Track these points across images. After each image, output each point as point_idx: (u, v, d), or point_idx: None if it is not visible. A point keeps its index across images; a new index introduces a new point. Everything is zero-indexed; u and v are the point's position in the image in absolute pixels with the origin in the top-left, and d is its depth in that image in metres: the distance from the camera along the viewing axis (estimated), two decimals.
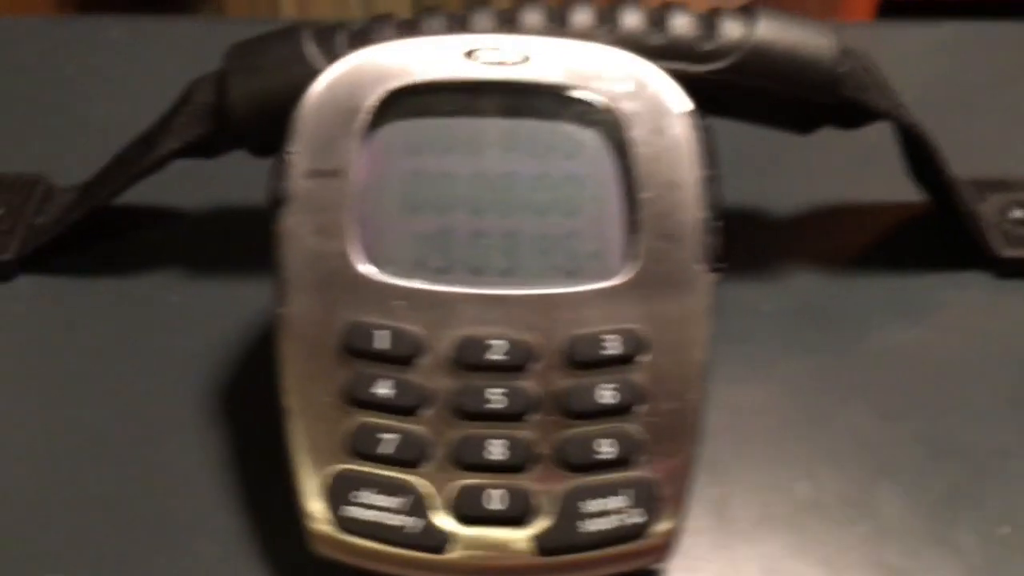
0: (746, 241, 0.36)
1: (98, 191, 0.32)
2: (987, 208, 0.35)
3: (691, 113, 0.27)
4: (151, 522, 0.27)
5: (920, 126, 0.33)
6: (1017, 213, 0.35)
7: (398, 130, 0.27)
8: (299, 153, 0.26)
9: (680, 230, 0.26)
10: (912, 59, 0.46)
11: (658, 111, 0.26)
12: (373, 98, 0.26)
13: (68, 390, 0.30)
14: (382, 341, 0.25)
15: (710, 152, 0.26)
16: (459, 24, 0.30)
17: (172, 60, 0.44)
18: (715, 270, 0.26)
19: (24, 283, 0.33)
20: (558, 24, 0.30)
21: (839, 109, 0.32)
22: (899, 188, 0.36)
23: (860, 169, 0.39)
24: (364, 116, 0.26)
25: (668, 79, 0.27)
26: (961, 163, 0.35)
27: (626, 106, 0.26)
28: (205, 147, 0.31)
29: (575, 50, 0.27)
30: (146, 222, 0.35)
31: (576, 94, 0.27)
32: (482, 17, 0.30)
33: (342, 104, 0.26)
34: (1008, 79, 0.45)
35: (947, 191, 0.34)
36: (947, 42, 0.48)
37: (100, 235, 0.34)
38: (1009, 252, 0.34)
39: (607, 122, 0.27)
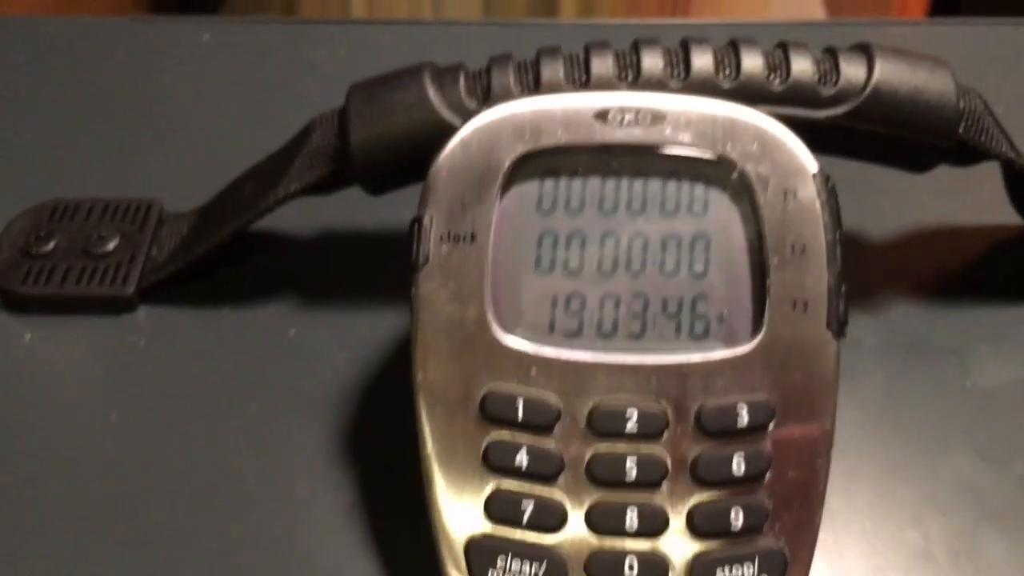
0: (848, 268, 0.36)
1: (216, 229, 0.33)
2: None
3: (819, 175, 0.27)
4: (284, 564, 0.28)
5: None
6: None
7: (529, 191, 0.27)
8: (434, 217, 0.27)
9: (808, 296, 0.26)
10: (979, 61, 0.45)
11: (787, 173, 0.27)
12: (506, 162, 0.27)
13: (188, 428, 0.31)
14: (519, 410, 0.25)
15: (836, 215, 0.27)
16: (579, 67, 0.30)
17: (261, 64, 0.44)
18: (841, 335, 0.26)
19: (143, 315, 0.34)
20: (678, 67, 0.30)
21: (956, 150, 0.32)
22: (1001, 206, 0.37)
23: (960, 188, 0.39)
24: (498, 180, 0.27)
25: (797, 139, 0.27)
26: None
27: (755, 168, 0.27)
28: (324, 186, 0.32)
29: (705, 109, 0.27)
30: (260, 248, 0.35)
31: (706, 156, 0.27)
32: (602, 60, 0.30)
33: (475, 166, 0.27)
34: None
35: None
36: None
37: (216, 262, 0.34)
38: None
39: (736, 184, 0.27)
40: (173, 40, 0.45)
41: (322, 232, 0.37)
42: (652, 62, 0.30)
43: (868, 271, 0.36)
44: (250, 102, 0.42)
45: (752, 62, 0.30)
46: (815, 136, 0.31)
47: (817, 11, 1.04)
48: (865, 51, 0.31)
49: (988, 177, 0.35)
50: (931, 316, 0.35)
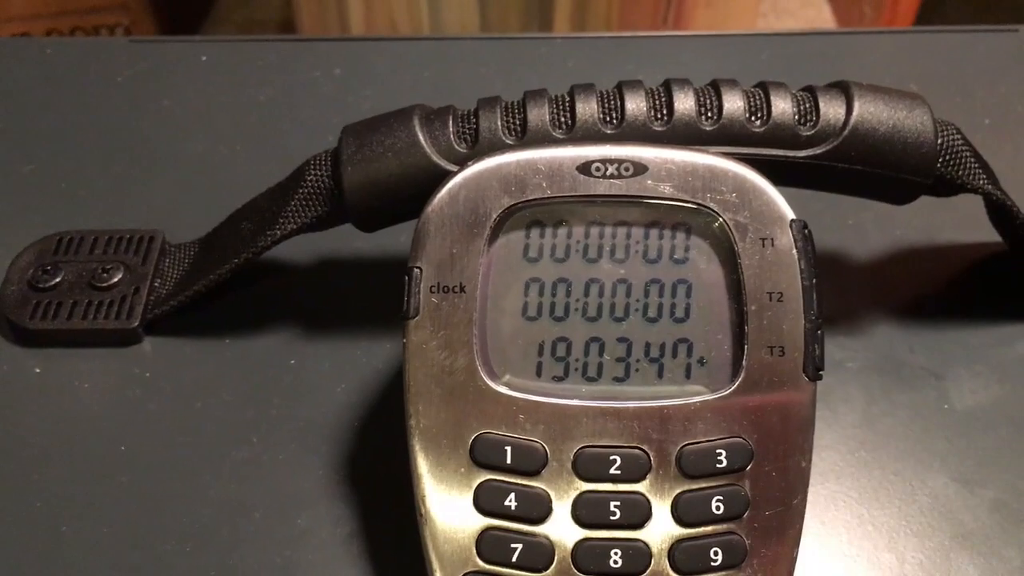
0: (831, 294, 0.37)
1: (217, 265, 0.34)
2: None
3: (796, 223, 0.28)
4: None
5: (1010, 202, 0.34)
6: None
7: (516, 241, 0.28)
8: (424, 268, 0.28)
9: (784, 341, 0.27)
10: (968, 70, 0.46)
11: (764, 222, 0.28)
12: (494, 214, 0.28)
13: (194, 458, 0.32)
14: (508, 455, 0.27)
15: (812, 261, 0.28)
16: (565, 111, 0.31)
17: (258, 85, 0.45)
18: (817, 379, 0.28)
19: (148, 347, 0.35)
20: (661, 110, 0.31)
21: (935, 184, 0.32)
22: (983, 223, 0.37)
23: (943, 205, 0.40)
24: (486, 231, 0.28)
25: (774, 189, 0.28)
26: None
27: (734, 217, 0.28)
28: (319, 224, 0.33)
29: (686, 159, 0.28)
30: (261, 277, 0.37)
31: (687, 205, 0.28)
32: (587, 104, 0.31)
33: (463, 218, 0.28)
34: None
35: None
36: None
37: (218, 293, 0.36)
38: None
39: (716, 232, 0.28)
40: (172, 61, 0.45)
41: (321, 261, 0.38)
42: (635, 105, 0.31)
43: (851, 293, 0.38)
44: (249, 125, 0.43)
45: (733, 104, 0.31)
46: (796, 174, 0.32)
47: (812, 12, 1.04)
48: (844, 90, 0.32)
49: (971, 196, 0.36)
50: (911, 338, 0.36)
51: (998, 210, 0.35)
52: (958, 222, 0.39)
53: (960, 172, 0.32)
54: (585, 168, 0.28)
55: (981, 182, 0.32)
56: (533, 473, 0.27)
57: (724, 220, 0.28)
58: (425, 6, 0.65)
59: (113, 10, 0.90)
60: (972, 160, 0.33)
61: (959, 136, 0.33)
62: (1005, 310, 0.36)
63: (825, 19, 1.07)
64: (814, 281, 0.28)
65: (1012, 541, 0.31)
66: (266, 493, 0.32)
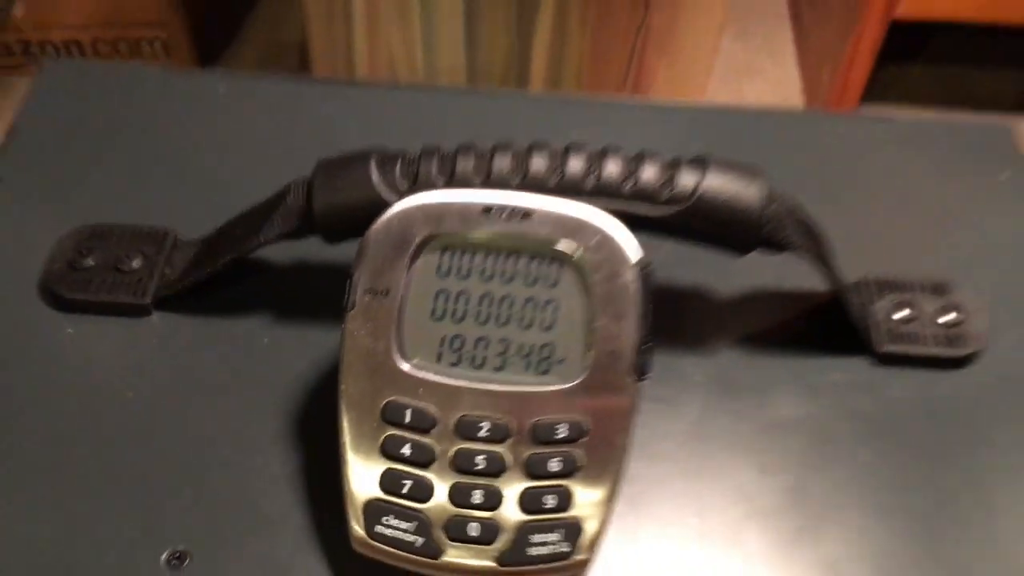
0: (691, 320, 0.46)
1: (214, 259, 0.43)
2: (880, 306, 0.46)
3: (638, 264, 0.37)
4: (242, 510, 0.39)
5: (824, 265, 0.43)
6: (901, 313, 0.45)
7: (431, 260, 0.37)
8: (362, 275, 0.37)
9: (620, 350, 0.36)
10: (845, 153, 0.55)
11: (614, 261, 0.37)
12: (416, 239, 0.37)
13: (185, 408, 0.42)
14: (408, 416, 0.36)
15: (647, 293, 0.37)
16: (485, 164, 0.41)
17: (266, 117, 0.54)
18: (642, 380, 0.37)
19: (156, 319, 0.44)
20: (557, 170, 0.40)
21: (762, 244, 0.42)
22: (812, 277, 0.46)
23: (780, 261, 0.49)
24: (409, 251, 0.37)
25: (628, 235, 0.37)
26: (868, 259, 0.46)
27: (592, 256, 0.37)
28: (293, 235, 0.42)
29: (562, 210, 0.37)
30: (249, 273, 0.46)
31: (559, 244, 0.37)
32: (502, 159, 0.40)
33: (395, 241, 0.37)
34: (936, 179, 0.54)
35: (843, 300, 0.44)
36: (879, 138, 0.56)
37: (214, 281, 0.45)
38: (889, 347, 0.45)
39: (578, 266, 0.37)
40: (196, 90, 0.55)
41: (296, 263, 0.47)
42: (538, 164, 0.40)
43: (706, 322, 0.47)
44: (253, 150, 0.52)
45: (612, 168, 0.40)
46: (655, 228, 0.41)
47: (781, 72, 1.14)
48: (702, 164, 0.41)
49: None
50: (746, 360, 0.45)
51: (816, 269, 0.44)
52: (801, 271, 0.47)
53: (781, 237, 0.41)
54: (487, 211, 0.37)
55: (799, 247, 0.42)
56: (425, 431, 0.36)
57: (585, 257, 0.37)
58: (420, 46, 0.74)
59: (153, 26, 0.99)
60: (794, 228, 0.42)
61: (786, 208, 0.42)
62: (826, 345, 0.45)
63: (792, 79, 1.16)
64: (648, 308, 0.37)
65: (796, 515, 0.40)
66: (236, 435, 0.41)
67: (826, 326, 0.46)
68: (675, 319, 0.46)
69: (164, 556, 0.38)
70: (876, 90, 1.09)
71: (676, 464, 0.41)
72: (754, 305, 0.47)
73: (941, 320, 0.45)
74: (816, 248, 0.43)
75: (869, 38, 0.94)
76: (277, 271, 0.47)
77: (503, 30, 0.74)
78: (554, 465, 0.36)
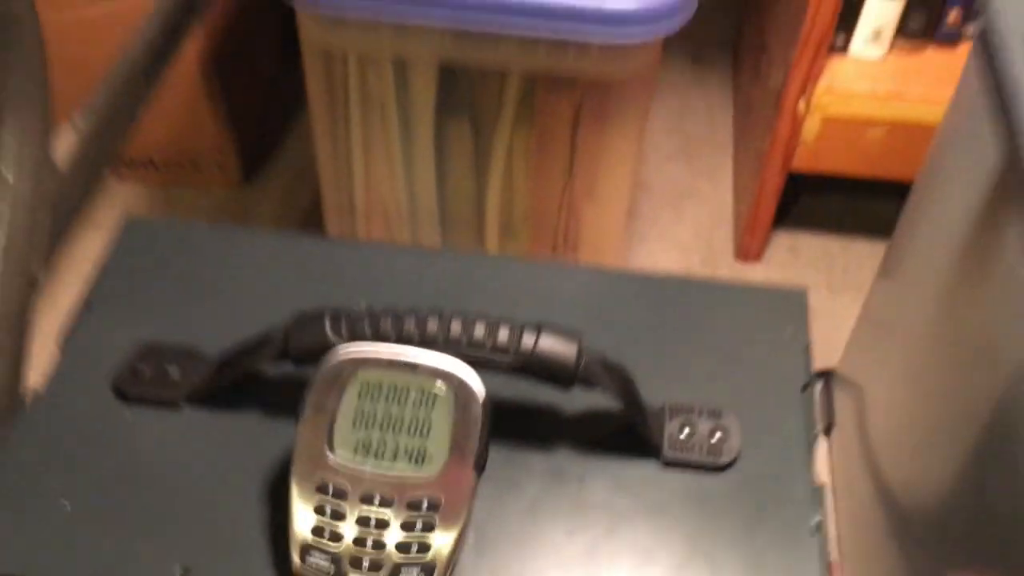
0: (538, 425, 0.66)
1: (225, 373, 0.64)
2: (669, 426, 0.65)
3: (484, 400, 0.57)
4: (228, 541, 0.59)
5: (626, 399, 0.62)
6: (684, 432, 0.65)
7: (354, 390, 0.58)
8: (310, 396, 0.57)
9: (467, 454, 0.56)
10: (677, 312, 0.74)
11: (468, 397, 0.57)
12: (346, 375, 0.58)
13: (201, 469, 0.62)
14: (331, 489, 0.56)
15: (486, 419, 0.57)
16: (398, 324, 0.61)
17: (277, 270, 0.75)
18: (480, 471, 0.57)
19: (186, 411, 0.65)
20: (443, 331, 0.61)
21: (581, 383, 0.61)
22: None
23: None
24: (341, 383, 0.57)
25: (478, 380, 0.57)
26: (671, 390, 0.65)
27: (454, 393, 0.57)
28: (275, 360, 0.63)
29: (437, 362, 0.58)
30: (252, 383, 0.67)
31: (435, 386, 0.57)
32: (408, 321, 0.61)
33: (333, 375, 0.57)
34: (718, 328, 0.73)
35: (641, 421, 0.64)
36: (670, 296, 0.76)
37: (227, 387, 0.66)
38: (672, 455, 0.64)
39: (446, 399, 0.57)
40: (230, 246, 0.76)
41: (279, 377, 0.68)
42: (432, 327, 0.60)
43: (548, 428, 0.66)
44: (265, 294, 0.73)
45: (479, 331, 0.60)
46: (508, 371, 0.61)
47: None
48: (537, 329, 0.61)
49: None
50: (572, 457, 0.64)
51: (618, 402, 0.63)
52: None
53: (592, 381, 0.61)
54: (392, 360, 0.58)
55: (606, 388, 0.61)
56: (341, 498, 0.56)
57: (450, 394, 0.57)
58: (404, 195, 0.96)
59: (211, 150, 1.22)
60: (603, 374, 0.61)
61: (596, 360, 0.61)
62: (630, 450, 0.65)
63: (726, 203, 1.35)
64: (487, 428, 0.57)
65: (593, 569, 0.59)
66: (227, 488, 0.62)
67: (631, 436, 0.65)
68: (526, 424, 0.66)
69: (178, 571, 0.58)
70: (789, 217, 1.28)
71: (517, 525, 0.61)
72: (581, 417, 0.67)
73: (712, 439, 0.65)
74: (619, 387, 0.63)
75: (772, 183, 1.14)
76: (266, 382, 0.68)
77: (466, 182, 0.95)
78: (418, 524, 0.56)
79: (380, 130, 0.91)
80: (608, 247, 1.01)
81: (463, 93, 0.87)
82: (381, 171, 0.95)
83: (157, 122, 1.17)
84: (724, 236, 1.28)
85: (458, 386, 0.57)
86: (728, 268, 1.26)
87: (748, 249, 1.22)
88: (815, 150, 1.07)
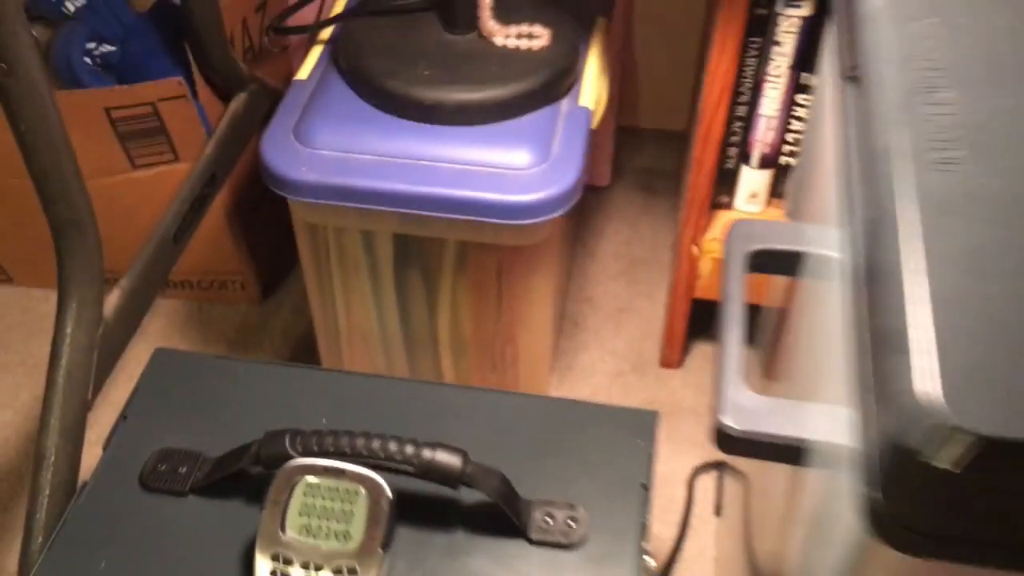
0: (436, 515, 0.88)
1: (218, 473, 0.88)
2: (535, 515, 0.87)
3: (390, 499, 0.80)
4: None
5: (503, 497, 0.85)
6: (546, 520, 0.87)
7: (300, 489, 0.81)
8: (270, 494, 0.81)
9: (378, 533, 0.79)
10: (551, 427, 0.96)
11: (380, 497, 0.80)
12: (295, 481, 0.81)
13: (201, 546, 0.86)
14: (281, 559, 0.79)
15: (391, 512, 0.80)
16: (336, 441, 0.84)
17: (267, 397, 0.99)
18: (386, 548, 0.79)
19: (191, 500, 0.89)
20: (366, 446, 0.83)
21: (467, 485, 0.84)
22: None
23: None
24: (291, 485, 0.81)
25: (386, 486, 0.80)
26: (540, 488, 0.87)
27: (369, 495, 0.80)
28: (253, 465, 0.86)
29: (359, 471, 0.81)
30: (236, 477, 0.90)
31: (358, 490, 0.80)
32: (344, 440, 0.84)
33: (287, 478, 0.81)
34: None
35: (514, 512, 0.86)
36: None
37: (220, 480, 0.89)
38: (536, 537, 0.86)
39: (364, 499, 0.80)
40: (236, 374, 1.00)
41: (258, 476, 0.91)
42: (359, 444, 0.84)
43: (447, 517, 0.88)
44: (253, 415, 0.97)
45: (393, 447, 0.83)
46: (414, 476, 0.84)
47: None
48: (435, 446, 0.84)
49: None
50: (461, 536, 0.87)
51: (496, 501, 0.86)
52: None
53: (475, 485, 0.83)
54: (327, 469, 0.81)
55: (485, 489, 0.83)
56: (289, 563, 0.79)
57: (367, 496, 0.80)
58: (375, 323, 1.20)
59: (233, 272, 1.47)
60: (484, 478, 0.84)
61: (479, 468, 0.83)
62: (508, 532, 0.87)
63: (659, 317, 1.57)
64: (392, 519, 0.79)
65: None
66: (210, 534, 0.85)
67: (505, 522, 0.87)
68: (429, 514, 0.88)
69: None
70: (708, 330, 1.50)
71: None
72: (470, 508, 0.89)
73: (567, 525, 0.87)
74: (496, 487, 0.85)
75: (679, 307, 1.36)
76: (248, 479, 0.91)
77: (422, 317, 1.19)
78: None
79: (354, 279, 1.15)
80: (540, 364, 1.24)
81: (413, 253, 1.11)
82: (357, 309, 1.19)
83: (194, 254, 1.43)
84: (652, 347, 1.50)
85: (372, 488, 0.80)
86: (654, 374, 1.47)
87: (669, 358, 1.44)
88: (711, 282, 1.29)
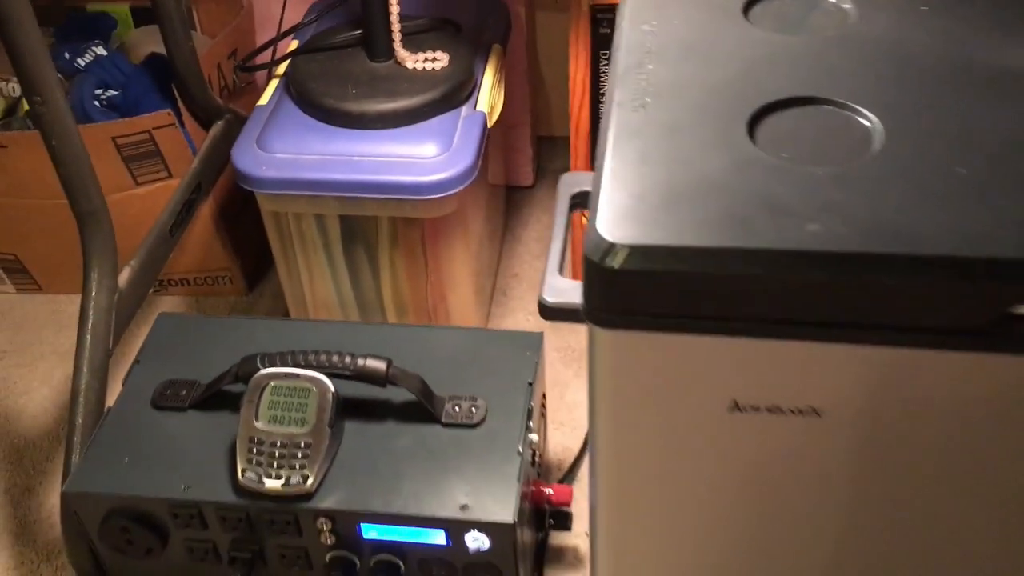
0: (374, 408, 1.13)
1: (210, 391, 1.13)
2: (449, 404, 1.12)
3: (334, 392, 1.05)
4: None
5: (420, 393, 1.10)
6: (454, 407, 1.11)
7: (269, 390, 1.06)
8: (247, 395, 1.05)
9: (324, 418, 1.04)
10: (463, 349, 1.22)
11: (326, 392, 1.05)
12: (262, 385, 1.06)
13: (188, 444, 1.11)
14: (256, 440, 1.04)
15: (335, 403, 1.04)
16: (293, 357, 1.09)
17: (251, 340, 1.24)
18: (332, 428, 1.04)
19: (190, 412, 1.14)
20: (316, 358, 1.08)
21: (392, 383, 1.09)
22: None
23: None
24: (262, 387, 1.06)
25: (330, 382, 1.05)
26: (451, 387, 1.12)
27: (318, 390, 1.05)
28: (233, 382, 1.11)
29: (308, 373, 1.05)
30: (219, 395, 1.15)
31: (310, 387, 1.05)
32: (298, 356, 1.09)
33: (256, 384, 1.06)
34: None
35: (430, 403, 1.11)
36: None
37: (213, 398, 1.14)
38: (446, 419, 1.11)
39: (314, 393, 1.05)
40: (229, 329, 1.25)
41: (239, 389, 1.16)
42: (310, 358, 1.09)
43: (381, 410, 1.13)
44: (239, 350, 1.22)
45: (334, 359, 1.08)
46: (354, 379, 1.09)
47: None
48: (365, 356, 1.08)
49: None
50: (392, 423, 1.11)
51: (415, 395, 1.11)
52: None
53: (398, 382, 1.08)
54: (286, 374, 1.06)
55: (407, 386, 1.08)
56: (262, 444, 1.04)
57: (316, 391, 1.05)
58: (333, 293, 1.45)
59: (223, 269, 1.73)
60: (404, 378, 1.08)
61: (400, 371, 1.08)
62: (425, 420, 1.11)
63: None
64: (336, 409, 1.04)
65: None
66: (204, 433, 1.09)
67: (424, 411, 1.12)
68: (369, 407, 1.13)
69: (183, 488, 1.06)
70: None
71: (362, 459, 1.08)
72: (400, 404, 1.14)
73: (470, 411, 1.12)
74: (416, 386, 1.10)
75: (577, 270, 1.63)
76: (234, 393, 1.16)
77: (369, 284, 1.45)
78: (299, 455, 1.03)
79: (313, 256, 1.41)
80: (469, 319, 1.50)
81: (357, 232, 1.37)
82: (317, 282, 1.45)
83: (187, 255, 1.69)
84: None
85: (320, 386, 1.05)
86: (568, 327, 1.73)
87: None
88: None
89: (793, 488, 0.75)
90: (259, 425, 1.05)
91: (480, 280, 1.53)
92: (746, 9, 0.87)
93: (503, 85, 1.47)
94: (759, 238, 0.63)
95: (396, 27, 1.32)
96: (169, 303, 1.77)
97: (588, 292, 0.68)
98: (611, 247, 0.65)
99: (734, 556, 0.83)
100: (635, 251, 0.65)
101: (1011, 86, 0.75)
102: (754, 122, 0.74)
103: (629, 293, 0.67)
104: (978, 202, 0.64)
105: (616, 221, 0.66)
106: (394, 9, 1.30)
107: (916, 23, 0.83)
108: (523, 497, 1.06)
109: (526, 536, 1.10)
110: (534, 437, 1.13)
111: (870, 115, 0.73)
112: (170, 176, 1.52)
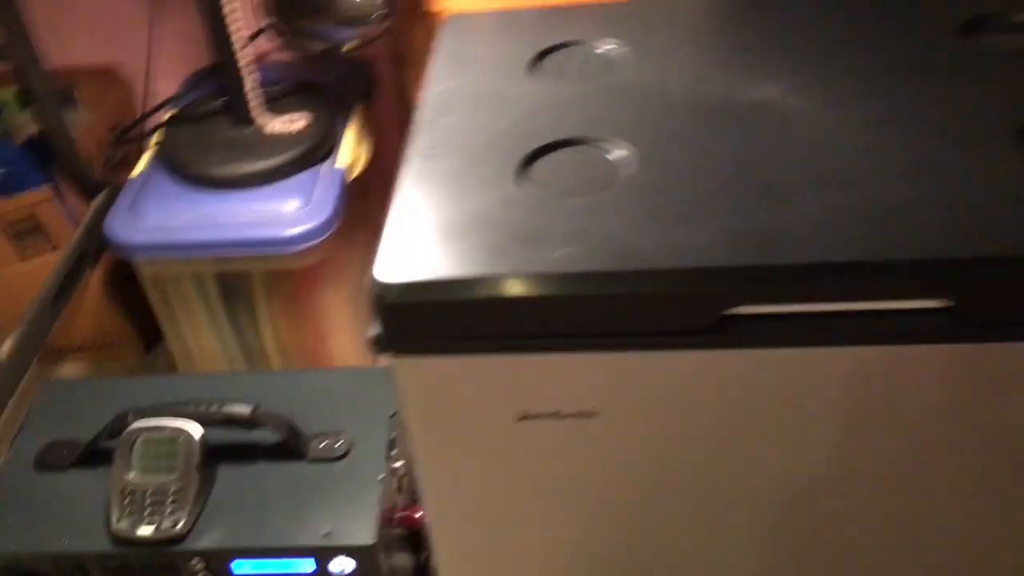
0: (244, 451, 1.17)
1: (90, 447, 1.16)
2: (315, 441, 1.17)
3: (201, 438, 1.09)
4: None
5: (285, 432, 1.15)
6: (321, 445, 1.17)
7: (141, 439, 1.10)
8: (119, 448, 1.09)
9: (193, 464, 1.08)
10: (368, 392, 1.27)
11: (190, 438, 1.09)
12: (136, 435, 1.10)
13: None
14: (130, 488, 1.08)
15: (202, 448, 1.09)
16: (160, 408, 1.13)
17: (135, 395, 1.28)
18: (201, 474, 1.08)
19: (72, 471, 1.17)
20: (185, 408, 1.13)
21: (257, 427, 1.14)
22: None
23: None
24: (134, 439, 1.10)
25: (199, 427, 1.10)
26: (319, 423, 1.18)
27: (186, 437, 1.09)
28: (113, 438, 1.15)
29: (179, 422, 1.10)
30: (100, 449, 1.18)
31: (178, 437, 1.10)
32: (165, 407, 1.13)
33: (128, 436, 1.10)
34: None
35: (295, 443, 1.16)
36: None
37: (91, 454, 1.17)
38: (313, 456, 1.16)
39: (183, 440, 1.09)
40: (126, 390, 1.29)
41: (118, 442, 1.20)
42: (179, 406, 1.13)
43: (251, 453, 1.18)
44: (113, 410, 1.26)
45: (203, 407, 1.13)
46: (221, 426, 1.14)
47: None
48: (230, 403, 1.13)
49: None
50: (262, 463, 1.16)
51: (279, 435, 1.16)
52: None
53: (263, 424, 1.13)
54: (154, 428, 1.10)
55: (269, 427, 1.14)
56: (135, 494, 1.08)
57: (185, 437, 1.09)
58: (218, 347, 1.50)
59: (120, 336, 1.76)
60: (272, 422, 1.14)
61: (266, 414, 1.13)
62: (293, 459, 1.17)
63: None
64: (203, 453, 1.09)
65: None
66: (83, 490, 1.13)
67: (291, 451, 1.17)
68: (239, 452, 1.17)
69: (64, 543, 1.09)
70: None
71: (232, 499, 1.12)
72: (270, 445, 1.19)
73: (335, 446, 1.17)
74: (282, 426, 1.15)
75: None
76: (109, 450, 1.19)
77: (250, 331, 1.50)
78: (169, 500, 1.07)
79: (195, 315, 1.45)
80: (351, 359, 1.56)
81: (233, 287, 1.42)
82: (202, 338, 1.49)
83: (81, 322, 1.72)
84: None
85: (186, 433, 1.10)
86: None
87: None
88: None
89: (583, 483, 0.82)
90: (130, 477, 1.09)
91: (361, 321, 1.58)
92: (533, 64, 0.96)
93: (369, 140, 1.54)
94: (510, 264, 0.70)
95: (253, 94, 1.38)
96: (70, 370, 1.79)
97: (378, 326, 0.75)
98: (385, 286, 0.72)
99: (559, 556, 0.90)
100: (405, 288, 0.72)
101: (748, 117, 0.84)
102: (526, 164, 0.82)
103: (408, 324, 0.74)
104: (706, 217, 0.72)
105: (391, 262, 0.73)
106: (249, 78, 1.37)
107: (680, 68, 0.92)
108: (387, 521, 1.11)
109: (397, 560, 1.15)
110: (397, 464, 1.18)
111: (627, 149, 0.81)
112: (55, 250, 1.56)
